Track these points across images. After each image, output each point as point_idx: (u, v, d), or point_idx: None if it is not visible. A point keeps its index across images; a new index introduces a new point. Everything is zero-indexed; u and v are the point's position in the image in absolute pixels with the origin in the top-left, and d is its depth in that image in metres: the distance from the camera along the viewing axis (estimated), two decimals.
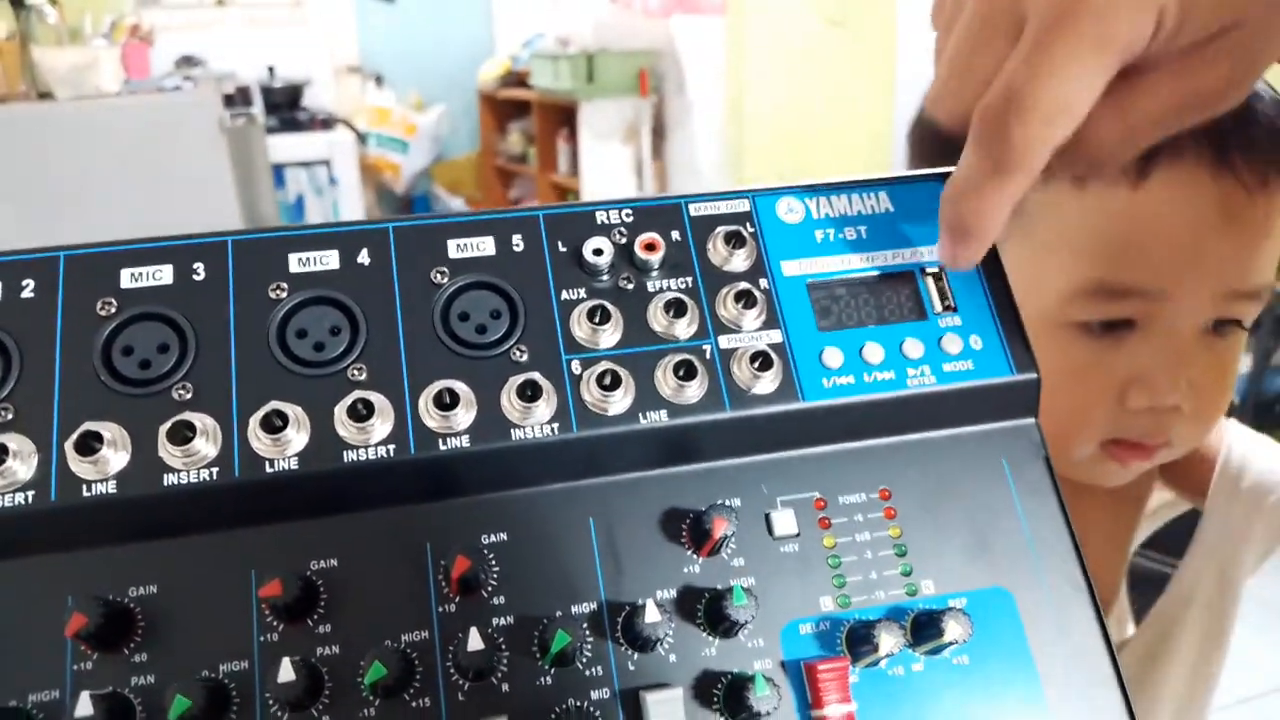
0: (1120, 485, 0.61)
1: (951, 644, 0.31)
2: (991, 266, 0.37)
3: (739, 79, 3.19)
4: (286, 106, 3.47)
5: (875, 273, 0.36)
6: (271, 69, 3.49)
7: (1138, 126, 0.33)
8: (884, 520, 0.34)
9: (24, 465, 0.30)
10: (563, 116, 3.78)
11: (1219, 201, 0.52)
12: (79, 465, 0.30)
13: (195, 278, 0.33)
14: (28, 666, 0.29)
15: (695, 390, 0.33)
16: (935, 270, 0.37)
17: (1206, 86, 0.32)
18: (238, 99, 2.53)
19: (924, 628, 0.31)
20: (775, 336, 0.35)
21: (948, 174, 0.35)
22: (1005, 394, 0.36)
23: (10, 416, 0.30)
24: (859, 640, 0.31)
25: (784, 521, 0.33)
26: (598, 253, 0.35)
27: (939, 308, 0.36)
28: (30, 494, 0.29)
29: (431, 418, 0.32)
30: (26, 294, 0.32)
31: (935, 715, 0.31)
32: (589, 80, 3.44)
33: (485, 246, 0.35)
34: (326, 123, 3.55)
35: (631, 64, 3.47)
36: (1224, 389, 0.58)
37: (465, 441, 0.32)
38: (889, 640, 0.30)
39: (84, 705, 0.27)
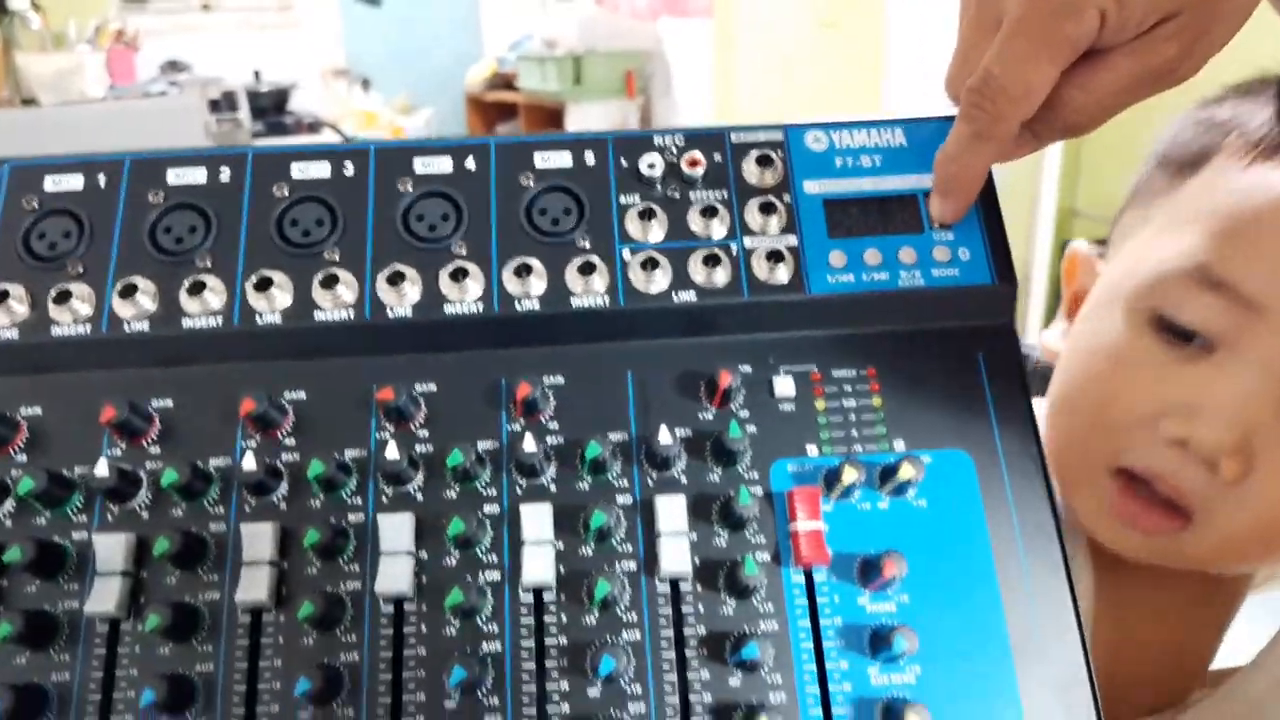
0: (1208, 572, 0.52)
1: (908, 482, 0.38)
2: (987, 197, 0.44)
3: (727, 80, 3.23)
4: (273, 110, 3.26)
5: (883, 194, 0.44)
6: (258, 73, 3.31)
7: (1102, 98, 0.39)
8: (869, 392, 0.42)
9: (216, 298, 0.41)
10: (550, 118, 3.79)
11: None
12: (255, 300, 0.41)
13: (346, 174, 0.43)
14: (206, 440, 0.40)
15: (720, 277, 0.42)
16: None
17: (1158, 64, 0.38)
18: (223, 103, 2.43)
19: (887, 469, 0.39)
20: (791, 241, 0.43)
21: (953, 116, 0.42)
22: (985, 297, 0.42)
23: (208, 264, 0.42)
24: (832, 477, 0.39)
25: (784, 385, 0.41)
26: (651, 167, 0.43)
27: (933, 225, 0.43)
28: (219, 319, 0.41)
29: (512, 284, 0.41)
30: (224, 179, 0.43)
31: (890, 543, 0.39)
32: (576, 82, 3.47)
33: (563, 160, 0.44)
34: (313, 126, 3.30)
35: (619, 66, 3.50)
36: None
37: (536, 305, 0.41)
38: (851, 473, 0.38)
39: (249, 461, 0.38)
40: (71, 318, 0.40)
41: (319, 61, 3.98)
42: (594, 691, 0.37)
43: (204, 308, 0.41)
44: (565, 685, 0.37)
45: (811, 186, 0.44)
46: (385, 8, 4.07)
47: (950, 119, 0.44)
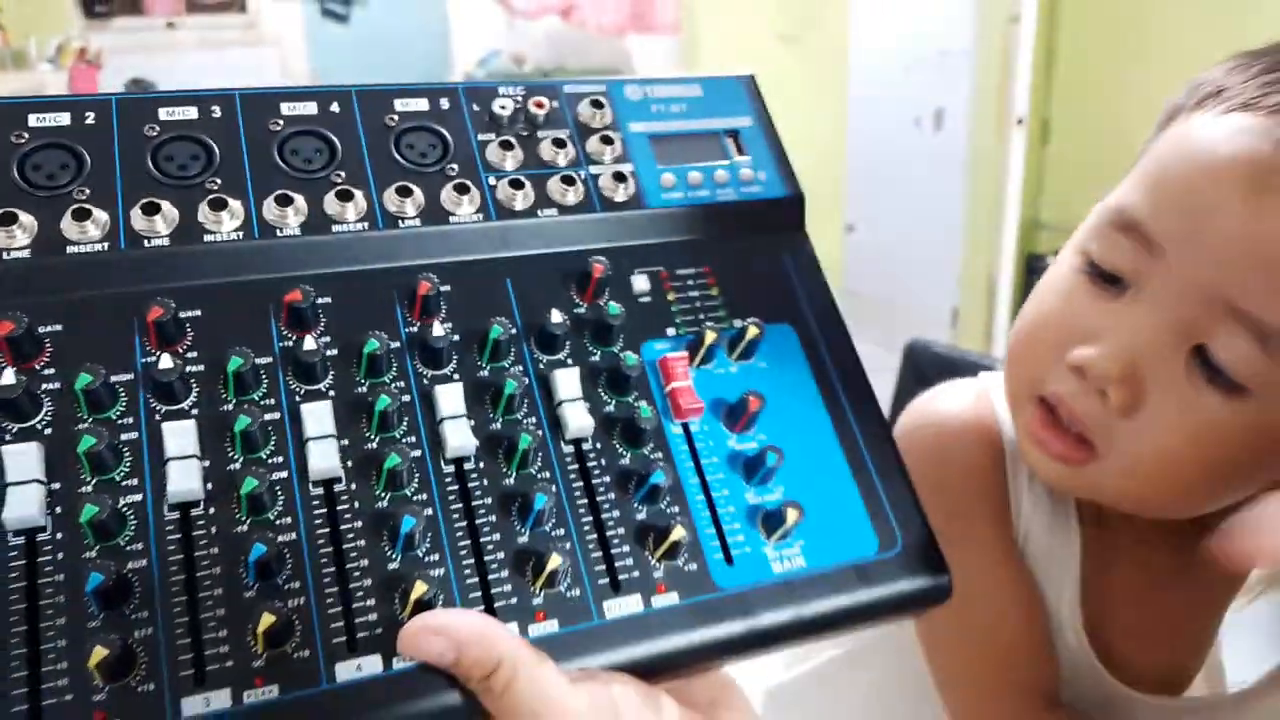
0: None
1: (753, 343, 0.47)
2: (771, 134, 0.55)
3: None
4: None
5: (693, 132, 0.53)
6: None
7: None
8: (708, 285, 0.50)
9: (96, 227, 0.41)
10: None
11: (1264, 162, 0.46)
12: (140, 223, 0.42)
13: (214, 116, 0.46)
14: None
15: (575, 197, 0.48)
16: (733, 131, 0.54)
17: None
18: None
19: (736, 335, 0.47)
20: (628, 168, 0.51)
21: (748, 76, 0.53)
22: (783, 208, 0.53)
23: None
24: (695, 344, 0.47)
25: (640, 282, 0.49)
26: (503, 108, 0.50)
27: (736, 155, 0.53)
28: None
29: (393, 204, 0.46)
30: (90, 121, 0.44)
31: (742, 391, 0.46)
32: None
33: (422, 105, 0.49)
34: None
35: None
36: (1179, 439, 0.49)
37: (418, 222, 0.46)
38: (711, 335, 0.46)
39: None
40: None
41: (285, 78, 3.89)
42: (524, 539, 0.41)
43: None
44: (497, 536, 0.40)
45: (636, 126, 0.52)
46: (353, 25, 3.97)
47: (739, 78, 0.54)
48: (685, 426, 0.45)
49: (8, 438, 0.38)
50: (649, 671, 0.40)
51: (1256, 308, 0.45)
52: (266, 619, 0.35)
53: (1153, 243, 0.49)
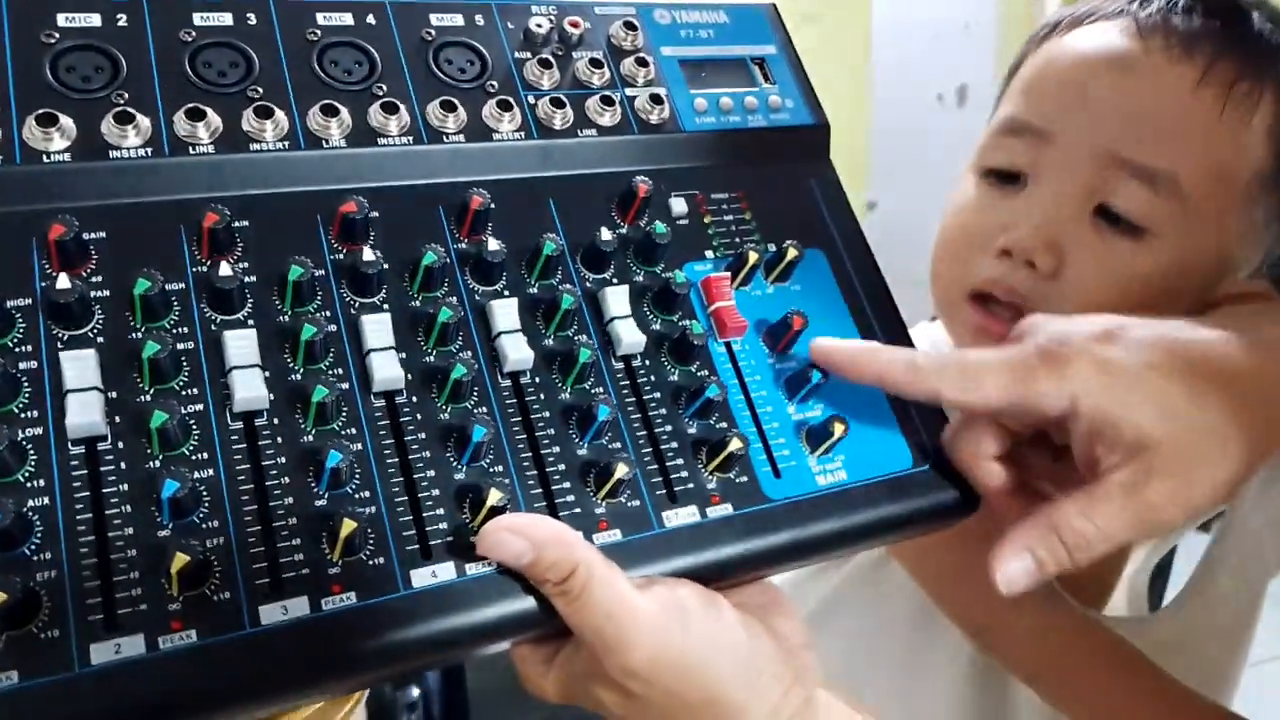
0: None
1: (793, 263, 0.48)
2: (795, 63, 0.55)
3: None
4: None
5: (721, 58, 0.53)
6: None
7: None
8: (741, 210, 0.50)
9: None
10: None
11: (1123, 47, 0.56)
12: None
13: (249, 23, 0.44)
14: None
15: (614, 118, 0.48)
16: (759, 58, 0.54)
17: None
18: None
19: (775, 255, 0.48)
20: (663, 90, 0.51)
21: (770, 4, 0.53)
22: (809, 136, 0.53)
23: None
24: (738, 264, 0.47)
25: (678, 205, 0.49)
26: (539, 26, 0.49)
27: (763, 83, 0.54)
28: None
29: (436, 119, 0.45)
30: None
31: (777, 313, 0.47)
32: None
33: (458, 20, 0.48)
34: None
35: None
36: (1102, 288, 0.56)
37: (462, 139, 0.45)
38: (754, 255, 0.46)
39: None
40: None
41: None
42: (584, 452, 0.41)
43: None
44: (558, 449, 0.41)
45: (668, 50, 0.52)
46: None
47: (761, 6, 0.55)
48: (729, 345, 0.46)
49: (60, 345, 0.36)
50: (706, 579, 0.41)
51: (1140, 155, 0.54)
52: (347, 525, 0.35)
53: (1041, 131, 0.57)
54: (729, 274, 0.47)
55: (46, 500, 0.34)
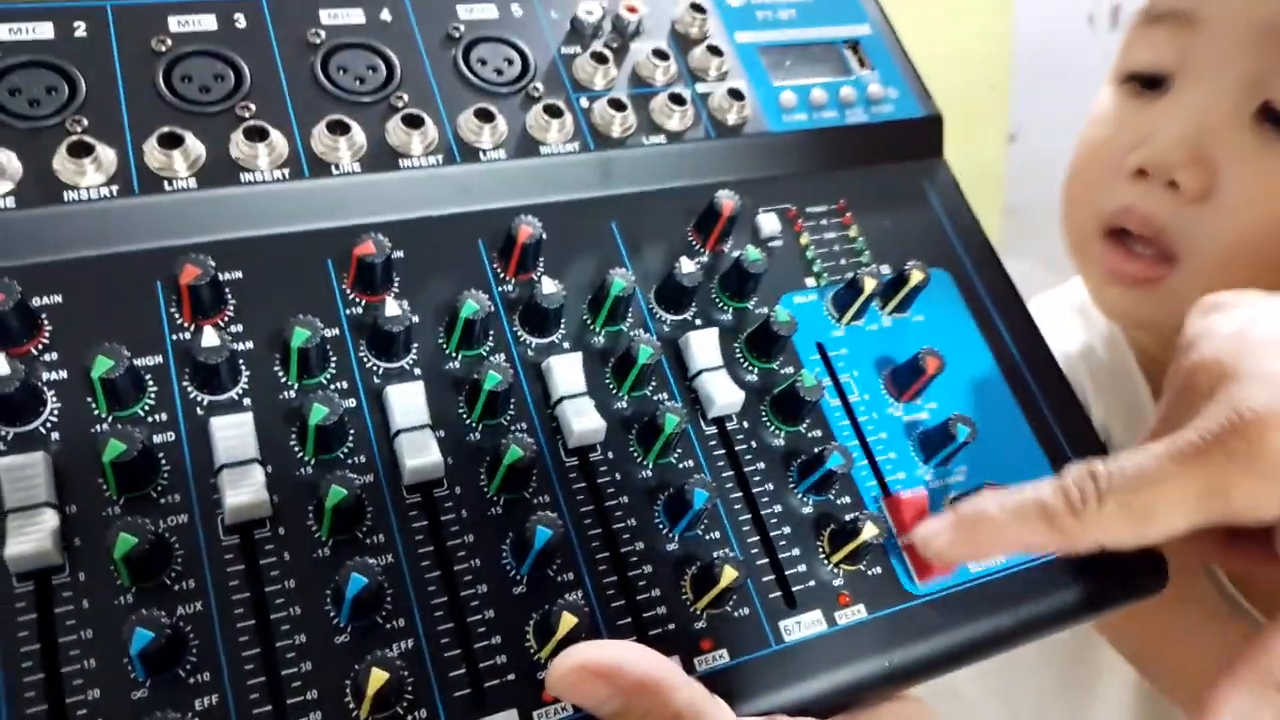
0: None
1: (916, 289, 0.38)
2: (895, 43, 0.46)
3: None
4: None
5: (808, 42, 0.44)
6: None
7: None
8: (843, 224, 0.41)
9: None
10: None
11: None
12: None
13: (237, 26, 0.36)
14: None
15: (685, 120, 0.39)
16: (852, 41, 0.45)
17: None
18: None
19: (896, 279, 0.39)
20: (741, 83, 0.42)
21: None
22: (919, 131, 0.44)
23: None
24: (842, 301, 0.38)
25: (769, 223, 0.40)
26: (589, 13, 0.40)
27: (859, 69, 0.44)
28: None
29: (469, 132, 0.36)
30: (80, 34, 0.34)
31: (899, 351, 0.38)
32: None
33: (490, 12, 0.40)
34: None
35: None
36: (1269, 215, 0.44)
37: (502, 155, 0.36)
38: (871, 282, 0.37)
39: None
40: None
41: None
42: (673, 546, 0.32)
43: None
44: (640, 544, 0.32)
45: (744, 36, 0.43)
46: None
47: None
48: (842, 393, 0.37)
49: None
50: (838, 705, 0.32)
51: None
52: (378, 677, 0.26)
53: (1187, 15, 0.45)
54: (924, 492, 0.36)
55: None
